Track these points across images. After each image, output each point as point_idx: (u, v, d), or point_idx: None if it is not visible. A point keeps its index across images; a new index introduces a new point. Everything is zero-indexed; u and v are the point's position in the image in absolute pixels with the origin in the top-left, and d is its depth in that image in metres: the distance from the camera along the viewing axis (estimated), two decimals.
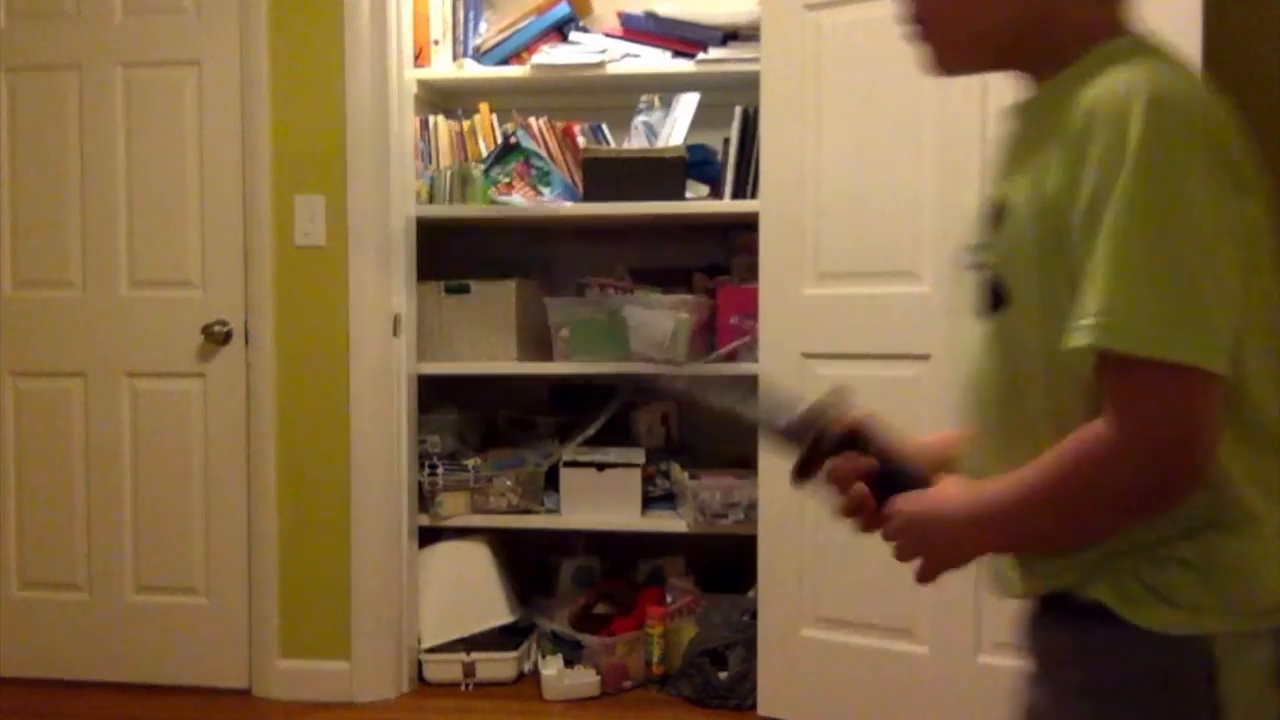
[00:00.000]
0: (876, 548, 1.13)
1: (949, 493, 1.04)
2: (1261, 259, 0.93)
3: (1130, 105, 0.87)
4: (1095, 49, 0.96)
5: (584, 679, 2.90)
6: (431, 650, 3.03)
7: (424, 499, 3.06)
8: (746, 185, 2.92)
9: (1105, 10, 1.00)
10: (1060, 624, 0.99)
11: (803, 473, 1.14)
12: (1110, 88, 0.90)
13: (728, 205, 2.95)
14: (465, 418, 3.21)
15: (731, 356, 2.95)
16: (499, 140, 3.11)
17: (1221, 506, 0.92)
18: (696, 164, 3.05)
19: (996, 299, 0.99)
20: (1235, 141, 0.92)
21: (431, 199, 3.09)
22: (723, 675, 2.82)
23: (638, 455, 3.06)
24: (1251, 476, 0.93)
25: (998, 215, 1.01)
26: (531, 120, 3.10)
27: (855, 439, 1.12)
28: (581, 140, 3.11)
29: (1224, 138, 0.90)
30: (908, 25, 1.07)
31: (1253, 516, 0.93)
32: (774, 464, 2.72)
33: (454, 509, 3.06)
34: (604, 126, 3.15)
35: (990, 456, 1.04)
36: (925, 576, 1.05)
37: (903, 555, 1.05)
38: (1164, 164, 0.86)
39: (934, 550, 1.03)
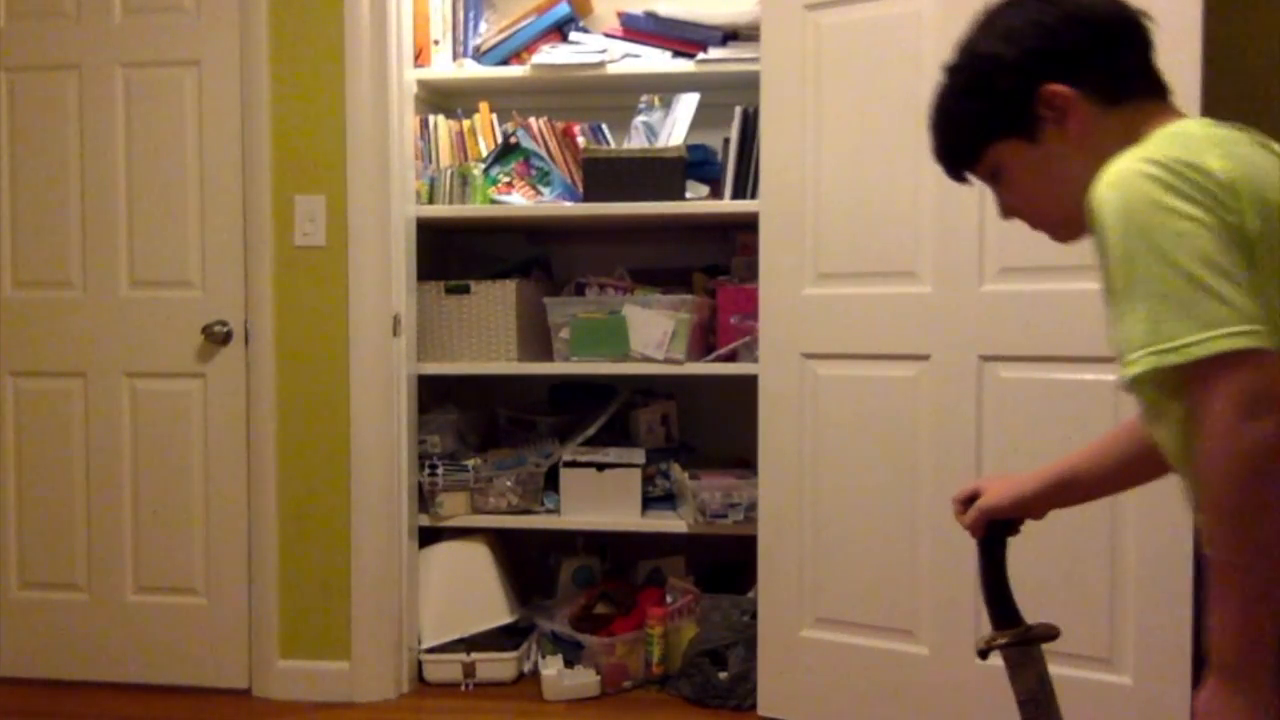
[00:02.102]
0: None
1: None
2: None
3: (1099, 193, 1.07)
4: None
5: (584, 679, 2.90)
6: (431, 650, 3.03)
7: (424, 499, 3.06)
8: (746, 185, 2.92)
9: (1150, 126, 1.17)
10: None
11: None
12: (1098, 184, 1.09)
13: (728, 205, 2.95)
14: (465, 418, 3.21)
15: (731, 356, 2.95)
16: (499, 140, 3.11)
17: None
18: (696, 164, 3.05)
19: None
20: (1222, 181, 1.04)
21: (431, 199, 3.09)
22: (723, 675, 2.82)
23: (638, 455, 3.06)
24: None
25: None
26: (531, 120, 3.10)
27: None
28: (581, 140, 3.11)
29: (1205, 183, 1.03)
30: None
31: None
32: (774, 464, 2.72)
33: (454, 509, 3.06)
34: (604, 126, 3.15)
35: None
36: None
37: None
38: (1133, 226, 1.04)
39: None
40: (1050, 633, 1.47)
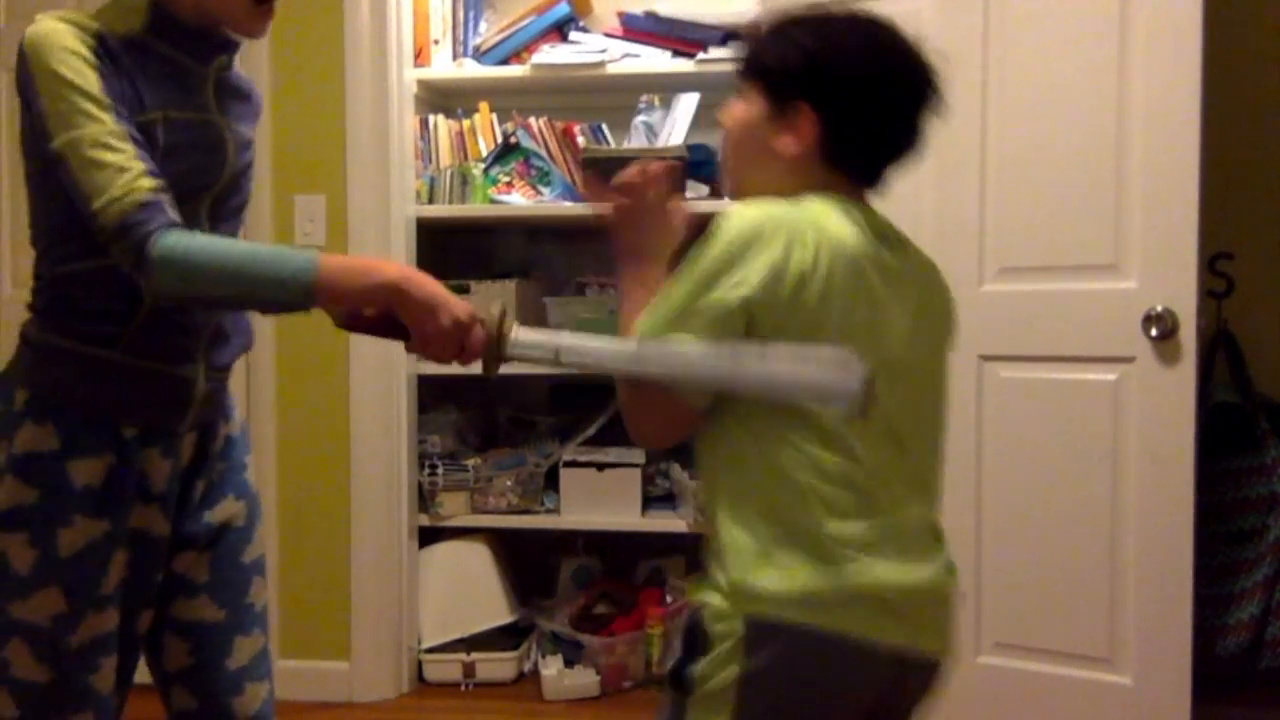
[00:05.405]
0: None
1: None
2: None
3: (735, 211, 1.25)
4: None
5: (584, 679, 2.90)
6: (431, 650, 3.03)
7: (424, 499, 3.06)
8: None
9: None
10: None
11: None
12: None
13: (728, 205, 2.94)
14: (465, 418, 3.21)
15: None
16: (499, 140, 3.11)
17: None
18: (696, 164, 3.04)
19: None
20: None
21: (431, 199, 3.08)
22: None
23: (638, 455, 3.06)
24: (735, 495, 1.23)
25: None
26: (531, 120, 3.10)
27: None
28: (581, 140, 3.11)
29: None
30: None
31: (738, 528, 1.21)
32: None
33: (454, 509, 3.06)
34: (604, 126, 3.15)
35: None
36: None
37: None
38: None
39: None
40: None
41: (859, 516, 1.20)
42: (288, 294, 1.33)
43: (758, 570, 1.18)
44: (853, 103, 1.27)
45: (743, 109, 1.33)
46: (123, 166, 1.33)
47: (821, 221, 1.21)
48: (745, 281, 1.18)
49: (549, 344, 1.32)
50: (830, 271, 1.18)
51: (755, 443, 1.22)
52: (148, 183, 1.33)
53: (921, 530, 1.27)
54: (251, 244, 1.41)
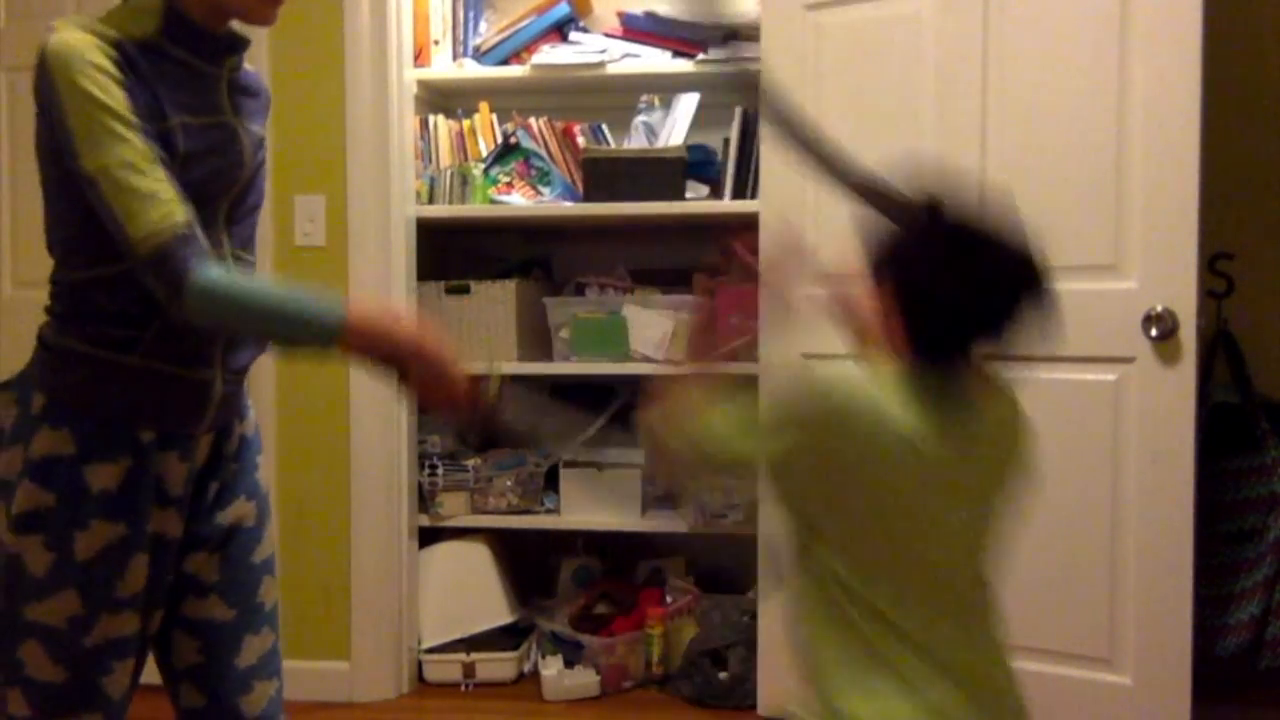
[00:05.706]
0: None
1: None
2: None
3: (819, 375, 1.27)
4: None
5: (584, 679, 2.90)
6: (431, 650, 3.03)
7: (424, 499, 3.06)
8: (746, 185, 2.92)
9: None
10: None
11: None
12: None
13: (728, 205, 2.95)
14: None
15: (731, 356, 2.95)
16: (499, 140, 3.11)
17: None
18: (696, 164, 3.05)
19: None
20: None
21: (431, 199, 3.09)
22: (723, 675, 2.82)
23: (638, 455, 3.06)
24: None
25: None
26: (531, 120, 3.10)
27: None
28: (581, 140, 3.11)
29: None
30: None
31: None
32: None
33: (454, 509, 3.06)
34: (604, 126, 3.15)
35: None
36: None
37: None
38: None
39: None
40: None
41: (928, 666, 1.23)
42: (311, 338, 1.38)
43: (848, 695, 1.24)
44: (951, 320, 1.32)
45: (853, 278, 1.35)
46: (155, 193, 1.34)
47: (877, 408, 1.22)
48: (774, 449, 1.25)
49: (533, 430, 1.44)
50: (864, 459, 1.22)
51: (829, 575, 1.26)
52: (181, 213, 1.35)
53: (1000, 690, 1.29)
54: (284, 289, 1.41)
